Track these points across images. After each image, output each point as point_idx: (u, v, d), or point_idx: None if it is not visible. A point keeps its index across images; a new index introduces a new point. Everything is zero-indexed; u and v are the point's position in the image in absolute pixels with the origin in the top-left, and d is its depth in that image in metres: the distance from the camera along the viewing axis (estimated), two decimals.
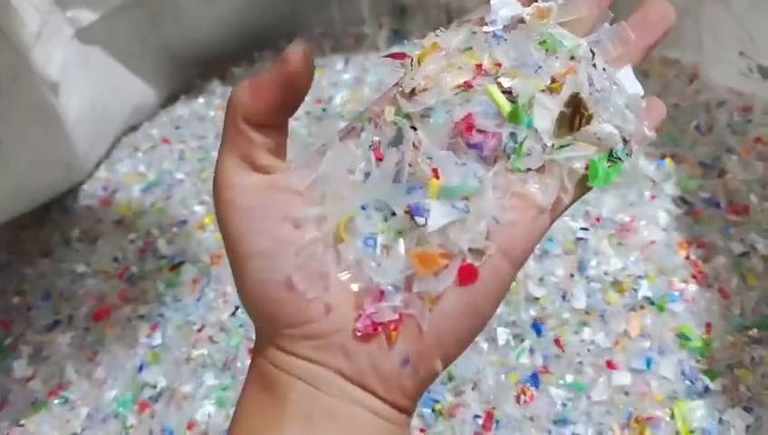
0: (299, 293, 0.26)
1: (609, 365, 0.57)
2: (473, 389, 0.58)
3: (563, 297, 0.62)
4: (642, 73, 0.91)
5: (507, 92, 0.27)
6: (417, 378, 0.27)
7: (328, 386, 0.26)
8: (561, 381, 0.57)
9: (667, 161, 0.75)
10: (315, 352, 0.26)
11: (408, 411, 0.28)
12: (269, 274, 0.26)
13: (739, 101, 0.83)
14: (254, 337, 0.29)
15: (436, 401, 0.57)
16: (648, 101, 0.30)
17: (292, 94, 0.27)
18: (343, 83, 0.95)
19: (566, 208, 0.29)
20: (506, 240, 0.27)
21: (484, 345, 0.61)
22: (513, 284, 0.63)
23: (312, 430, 0.26)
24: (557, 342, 0.60)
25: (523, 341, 0.60)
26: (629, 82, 0.30)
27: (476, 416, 0.56)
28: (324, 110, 0.91)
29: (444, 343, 0.27)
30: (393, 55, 0.30)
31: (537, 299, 0.63)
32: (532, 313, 0.62)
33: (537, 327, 0.61)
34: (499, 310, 0.61)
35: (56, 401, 0.66)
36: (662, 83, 0.89)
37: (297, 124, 0.89)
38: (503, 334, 0.60)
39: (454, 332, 0.27)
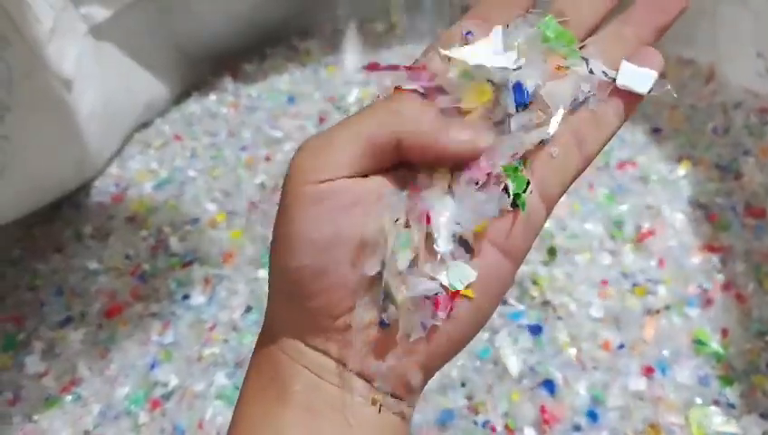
0: (342, 287, 0.25)
1: (624, 370, 0.57)
2: (487, 392, 0.57)
3: (579, 301, 0.62)
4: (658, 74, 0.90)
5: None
6: (425, 375, 0.27)
7: (332, 376, 0.26)
8: (576, 386, 0.57)
9: (684, 164, 0.74)
10: (324, 343, 0.26)
11: (410, 404, 0.28)
12: (319, 261, 0.25)
13: (756, 103, 0.82)
14: None
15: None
16: (642, 51, 0.28)
17: None
18: (356, 81, 0.95)
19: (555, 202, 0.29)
20: (505, 237, 0.26)
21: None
22: (532, 289, 0.63)
23: (314, 421, 0.26)
24: (572, 345, 0.59)
25: (538, 344, 0.60)
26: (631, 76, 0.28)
27: (487, 422, 0.56)
28: (339, 108, 0.90)
29: (454, 340, 0.27)
30: (371, 67, 0.29)
31: (553, 302, 0.62)
32: (548, 316, 0.61)
33: (552, 331, 0.60)
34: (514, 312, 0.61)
35: (68, 398, 0.66)
36: (678, 84, 0.88)
37: (309, 123, 0.89)
38: (520, 340, 0.60)
39: (461, 332, 0.27)
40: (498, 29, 0.28)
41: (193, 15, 0.97)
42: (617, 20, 0.30)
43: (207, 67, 1.07)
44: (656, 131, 0.81)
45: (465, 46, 0.28)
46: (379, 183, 0.26)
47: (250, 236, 0.76)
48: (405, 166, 0.27)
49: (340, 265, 0.25)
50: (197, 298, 0.72)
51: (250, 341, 0.66)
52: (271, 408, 0.26)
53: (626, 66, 0.28)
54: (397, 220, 0.26)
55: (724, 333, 0.59)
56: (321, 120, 0.89)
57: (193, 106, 1.01)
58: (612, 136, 0.29)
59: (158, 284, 0.74)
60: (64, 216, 0.88)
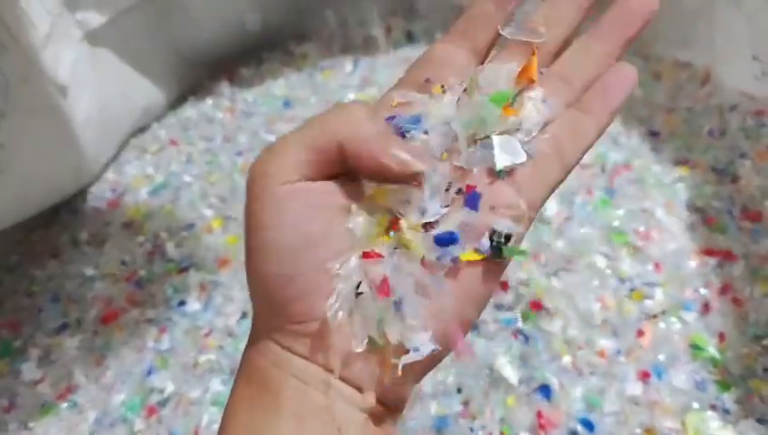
0: (316, 291, 0.26)
1: (621, 375, 0.57)
2: (483, 398, 0.57)
3: (575, 306, 0.62)
4: (654, 76, 0.90)
5: None
6: (412, 376, 0.27)
7: (320, 384, 0.26)
8: (572, 392, 0.57)
9: (680, 167, 0.74)
10: (313, 351, 0.26)
11: (398, 410, 0.28)
12: (290, 268, 0.26)
13: (752, 105, 0.82)
14: None
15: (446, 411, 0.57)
16: (617, 68, 0.29)
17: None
18: (352, 85, 0.95)
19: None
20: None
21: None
22: (527, 293, 0.63)
23: (303, 428, 0.26)
24: (568, 351, 0.59)
25: (534, 349, 0.60)
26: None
27: (483, 427, 0.56)
28: None
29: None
30: None
31: (549, 307, 0.62)
32: (544, 321, 0.61)
33: (548, 336, 0.60)
34: (509, 317, 0.61)
35: (64, 405, 0.66)
36: (674, 86, 0.88)
37: None
38: (516, 346, 0.60)
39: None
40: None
41: (189, 20, 0.97)
42: (585, 35, 0.30)
43: (204, 71, 1.07)
44: (652, 134, 0.81)
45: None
46: (331, 189, 0.27)
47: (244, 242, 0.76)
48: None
49: (312, 270, 0.26)
50: (193, 304, 0.71)
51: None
52: (261, 417, 0.26)
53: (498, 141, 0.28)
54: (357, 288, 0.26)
55: (721, 337, 0.59)
56: None
57: (189, 111, 1.01)
58: (591, 145, 0.29)
59: (155, 290, 0.74)
60: (62, 221, 0.88)
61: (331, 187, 0.27)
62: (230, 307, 0.70)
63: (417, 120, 0.28)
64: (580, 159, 0.29)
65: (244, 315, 0.69)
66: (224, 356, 0.66)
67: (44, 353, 0.72)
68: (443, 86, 0.29)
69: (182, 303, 0.72)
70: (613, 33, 0.29)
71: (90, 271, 0.78)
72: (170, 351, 0.68)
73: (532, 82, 0.28)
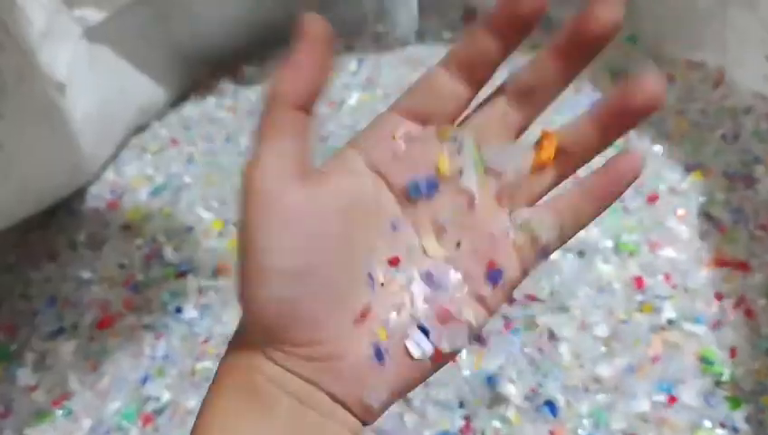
0: (316, 315, 0.25)
1: (629, 391, 0.55)
2: (487, 413, 0.56)
3: (582, 319, 0.60)
4: (667, 78, 0.88)
5: None
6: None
7: (316, 404, 0.26)
8: (578, 408, 0.55)
9: (693, 174, 0.72)
10: (312, 373, 0.26)
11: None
12: (291, 292, 0.25)
13: (765, 107, 0.80)
14: None
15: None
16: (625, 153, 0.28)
17: (325, 72, 0.26)
18: (356, 85, 0.93)
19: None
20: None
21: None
22: (533, 306, 0.61)
23: None
24: (575, 365, 0.57)
25: (539, 366, 0.58)
26: None
27: None
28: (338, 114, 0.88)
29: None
30: None
31: (555, 320, 0.60)
32: (550, 335, 0.59)
33: (554, 350, 0.58)
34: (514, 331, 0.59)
35: (59, 412, 0.65)
36: (687, 87, 0.86)
37: None
38: (521, 360, 0.58)
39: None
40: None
41: (191, 18, 0.96)
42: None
43: (206, 70, 1.05)
44: (663, 138, 0.79)
45: None
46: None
47: None
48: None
49: (316, 296, 0.25)
50: (191, 310, 0.70)
51: None
52: (252, 428, 0.26)
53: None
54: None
55: (733, 352, 0.57)
56: (320, 125, 0.87)
57: (191, 109, 1.00)
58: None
59: (152, 294, 0.73)
60: (59, 222, 0.87)
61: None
62: (228, 314, 0.69)
63: (433, 186, 0.28)
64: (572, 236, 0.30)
65: None
66: None
67: (40, 358, 0.71)
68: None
69: (179, 309, 0.71)
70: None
71: (87, 274, 0.77)
72: (167, 358, 0.67)
73: (547, 165, 0.28)
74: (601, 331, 0.59)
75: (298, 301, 0.25)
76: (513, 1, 0.26)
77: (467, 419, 0.56)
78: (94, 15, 0.83)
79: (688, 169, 0.74)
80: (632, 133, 0.79)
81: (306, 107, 0.26)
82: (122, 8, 0.86)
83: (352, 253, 0.27)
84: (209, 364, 0.65)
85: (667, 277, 0.62)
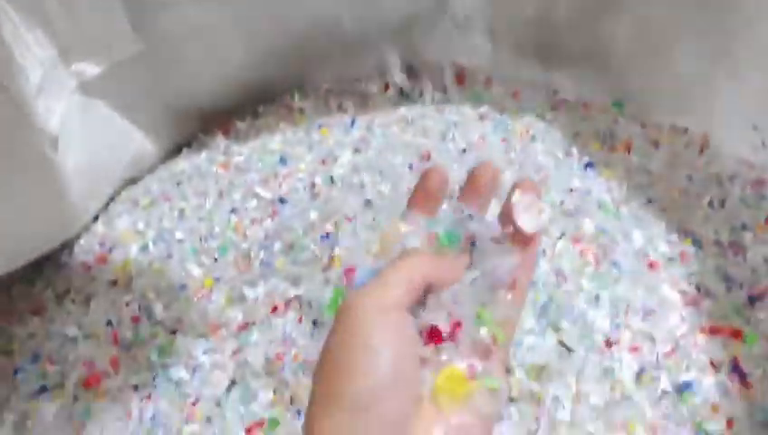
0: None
1: None
2: None
3: (577, 389, 0.59)
4: (652, 143, 0.90)
5: None
6: None
7: None
8: None
9: (683, 242, 0.73)
10: None
11: None
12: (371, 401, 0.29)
13: (751, 174, 0.82)
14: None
15: None
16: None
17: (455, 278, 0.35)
18: (348, 144, 0.94)
19: None
20: None
21: None
22: (525, 380, 0.60)
23: None
24: None
25: None
26: None
27: None
28: (331, 179, 0.88)
29: None
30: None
31: (549, 393, 0.60)
32: (544, 409, 0.59)
33: (552, 421, 0.57)
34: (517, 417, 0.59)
35: None
36: (672, 153, 0.88)
37: (300, 186, 0.88)
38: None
39: None
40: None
41: (185, 73, 0.96)
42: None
43: (199, 123, 1.06)
44: (651, 204, 0.80)
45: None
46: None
47: (237, 305, 0.74)
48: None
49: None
50: (180, 371, 0.68)
51: (233, 417, 0.63)
52: None
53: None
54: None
55: (729, 423, 0.56)
56: (314, 185, 0.87)
57: (183, 164, 0.99)
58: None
59: (140, 354, 0.71)
60: (45, 276, 0.85)
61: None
62: (218, 375, 0.67)
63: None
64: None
65: (232, 384, 0.66)
66: (210, 428, 0.63)
67: (20, 419, 0.68)
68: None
69: (168, 368, 0.69)
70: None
71: (73, 331, 0.75)
72: (154, 420, 0.65)
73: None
74: (598, 400, 0.58)
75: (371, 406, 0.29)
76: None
77: None
78: (90, 70, 0.83)
79: (678, 235, 0.74)
80: (621, 198, 0.80)
81: (428, 291, 0.33)
82: (119, 62, 0.86)
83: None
84: (197, 427, 0.63)
85: (662, 346, 0.62)
